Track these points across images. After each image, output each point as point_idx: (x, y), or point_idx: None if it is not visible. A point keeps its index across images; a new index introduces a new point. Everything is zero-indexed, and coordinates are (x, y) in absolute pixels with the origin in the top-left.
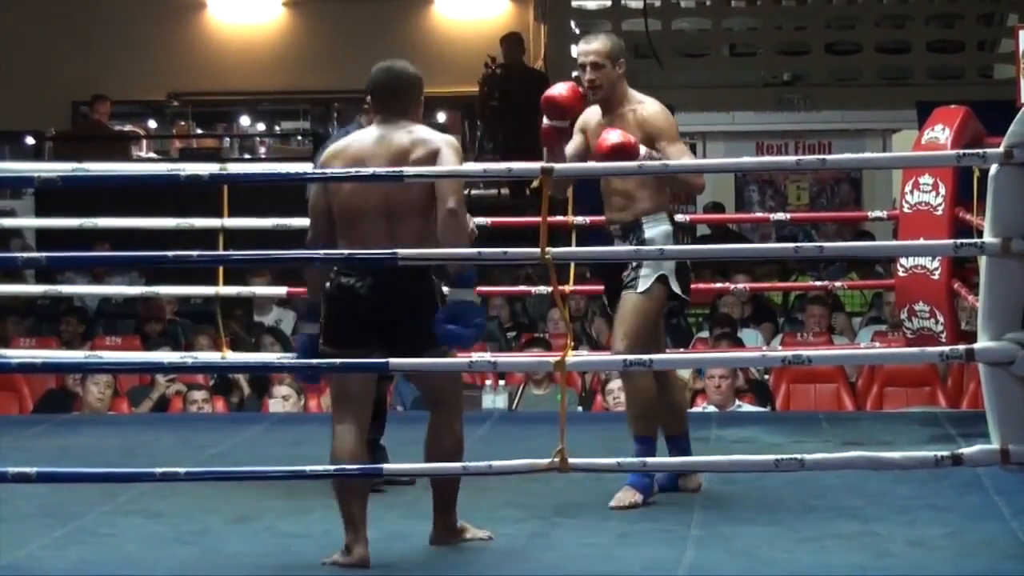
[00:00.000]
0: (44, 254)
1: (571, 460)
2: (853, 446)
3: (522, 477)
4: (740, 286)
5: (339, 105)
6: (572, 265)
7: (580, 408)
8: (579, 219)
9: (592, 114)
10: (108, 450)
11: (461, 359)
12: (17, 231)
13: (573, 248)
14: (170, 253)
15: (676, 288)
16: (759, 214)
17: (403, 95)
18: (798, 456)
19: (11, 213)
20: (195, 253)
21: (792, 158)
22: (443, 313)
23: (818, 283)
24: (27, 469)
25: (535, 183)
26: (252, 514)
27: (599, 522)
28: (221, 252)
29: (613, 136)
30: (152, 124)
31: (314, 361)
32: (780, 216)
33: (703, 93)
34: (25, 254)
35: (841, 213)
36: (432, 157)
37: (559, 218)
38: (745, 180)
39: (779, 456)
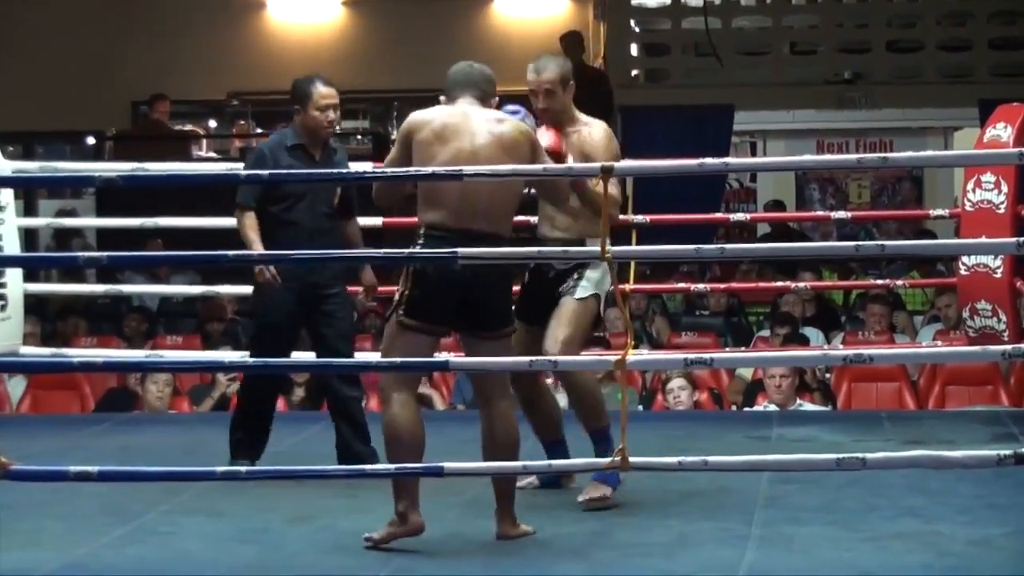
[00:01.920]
0: (105, 253)
1: (632, 459)
2: (915, 445)
3: (583, 476)
4: (802, 284)
5: (398, 104)
6: (632, 264)
7: (640, 407)
8: (639, 218)
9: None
10: (169, 449)
11: (521, 358)
12: (78, 231)
13: (633, 247)
14: (230, 252)
15: (602, 311)
16: (820, 213)
17: (478, 83)
18: (859, 455)
19: (72, 213)
20: (255, 252)
21: (853, 156)
22: None
23: (879, 281)
24: (88, 468)
25: (595, 182)
26: (312, 513)
27: (659, 520)
28: (280, 251)
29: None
30: (212, 123)
31: (372, 361)
32: (841, 215)
33: (763, 91)
34: (86, 253)
35: (902, 211)
36: (533, 149)
37: (620, 217)
38: (806, 179)
39: (840, 455)
